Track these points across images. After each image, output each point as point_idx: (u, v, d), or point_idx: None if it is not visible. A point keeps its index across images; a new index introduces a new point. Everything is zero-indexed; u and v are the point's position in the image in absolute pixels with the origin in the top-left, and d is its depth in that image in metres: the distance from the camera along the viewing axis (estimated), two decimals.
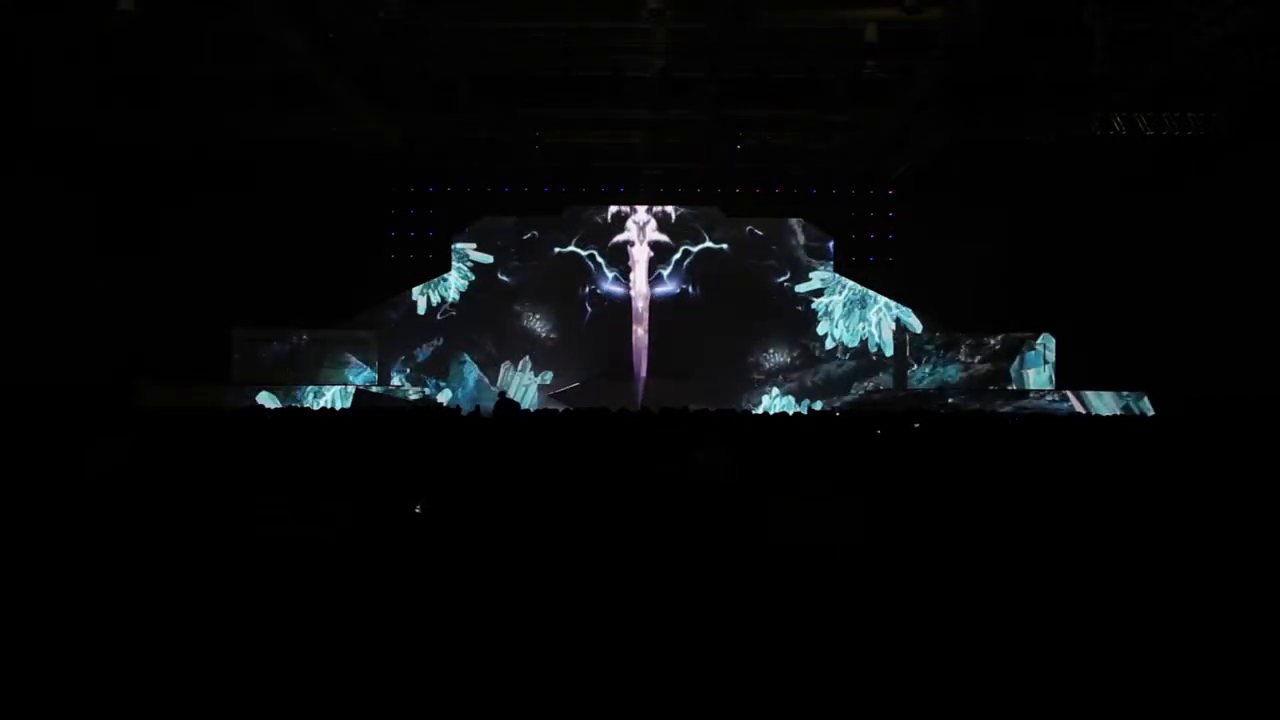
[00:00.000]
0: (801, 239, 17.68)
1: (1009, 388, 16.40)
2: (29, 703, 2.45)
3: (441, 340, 17.58)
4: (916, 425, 9.49)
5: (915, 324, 17.39)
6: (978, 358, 16.65)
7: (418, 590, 3.25)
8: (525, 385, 17.54)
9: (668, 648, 2.71)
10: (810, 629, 2.86)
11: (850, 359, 17.66)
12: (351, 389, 16.02)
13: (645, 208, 17.56)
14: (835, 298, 17.66)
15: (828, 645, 2.74)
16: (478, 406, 14.22)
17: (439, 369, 17.55)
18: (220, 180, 15.34)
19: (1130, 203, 15.07)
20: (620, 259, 17.66)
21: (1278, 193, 13.05)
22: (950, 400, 16.02)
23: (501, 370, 17.61)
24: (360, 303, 17.12)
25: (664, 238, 17.65)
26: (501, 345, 17.62)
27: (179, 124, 13.24)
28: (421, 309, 17.58)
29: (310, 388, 15.82)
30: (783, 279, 17.68)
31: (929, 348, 16.81)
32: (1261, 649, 2.66)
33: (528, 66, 11.93)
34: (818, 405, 16.97)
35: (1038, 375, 16.44)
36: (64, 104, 12.25)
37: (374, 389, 16.53)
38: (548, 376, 17.58)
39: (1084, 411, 15.26)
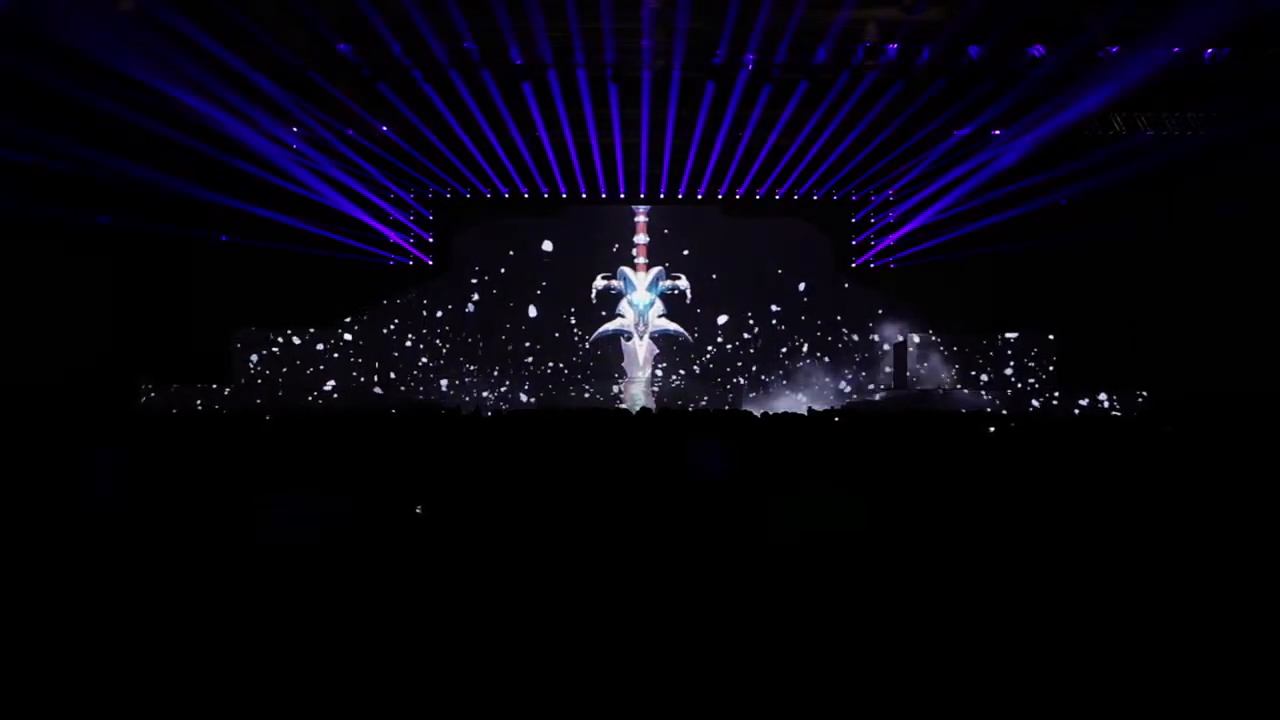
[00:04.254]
0: (801, 239, 17.65)
1: (1009, 389, 16.40)
2: (31, 705, 2.45)
3: (445, 340, 17.58)
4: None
5: (914, 324, 17.37)
6: (978, 359, 16.66)
7: (418, 590, 3.25)
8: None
9: (667, 648, 2.71)
10: (810, 630, 2.86)
11: (850, 360, 17.65)
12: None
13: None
14: (834, 297, 17.66)
15: (828, 646, 2.74)
16: (477, 407, 14.22)
17: (441, 368, 17.56)
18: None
19: (1130, 202, 15.06)
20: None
21: (1278, 192, 13.09)
22: (950, 400, 16.01)
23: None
24: (360, 303, 17.13)
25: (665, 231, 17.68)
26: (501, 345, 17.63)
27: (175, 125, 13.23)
28: (423, 309, 17.58)
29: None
30: (782, 279, 17.66)
31: (929, 348, 16.81)
32: (1258, 644, 2.66)
33: (528, 65, 11.94)
34: (817, 406, 16.97)
35: (1036, 373, 16.45)
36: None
37: (375, 389, 16.52)
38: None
39: (1084, 411, 15.27)
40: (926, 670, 2.60)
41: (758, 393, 17.49)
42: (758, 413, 10.80)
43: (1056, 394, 16.00)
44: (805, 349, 17.64)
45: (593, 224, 17.68)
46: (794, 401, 17.36)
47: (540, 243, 17.57)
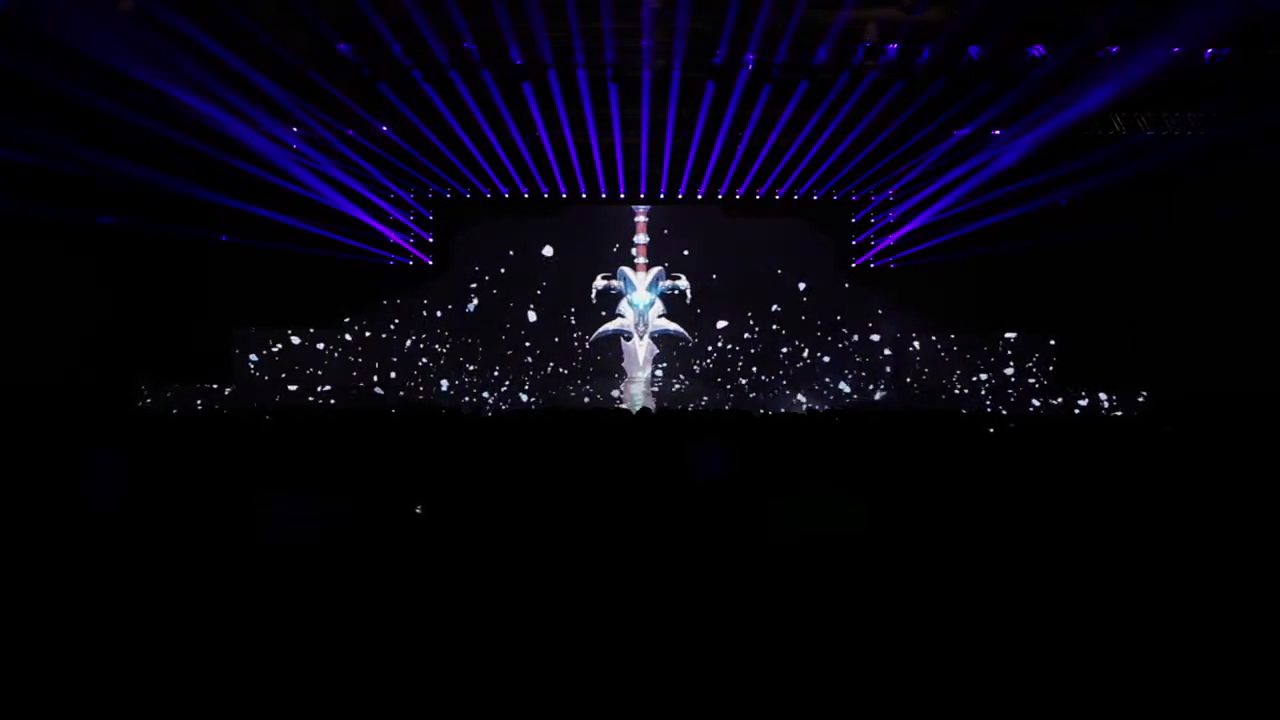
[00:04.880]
0: (801, 239, 17.64)
1: (1009, 389, 16.40)
2: (32, 705, 2.45)
3: (445, 340, 17.58)
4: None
5: (913, 324, 17.37)
6: (978, 359, 16.67)
7: (418, 591, 3.25)
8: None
9: (667, 648, 2.71)
10: (810, 630, 2.86)
11: (850, 360, 17.64)
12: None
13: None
14: (834, 297, 17.65)
15: (828, 646, 2.74)
16: (477, 407, 14.22)
17: (441, 368, 17.55)
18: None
19: (1130, 202, 15.08)
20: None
21: (1278, 192, 13.10)
22: (950, 400, 16.02)
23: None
24: (360, 303, 17.13)
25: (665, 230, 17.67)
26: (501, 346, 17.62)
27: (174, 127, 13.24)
28: (423, 310, 17.58)
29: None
30: (782, 279, 17.66)
31: (929, 349, 16.83)
32: (1258, 643, 2.66)
33: (528, 65, 11.95)
34: (817, 406, 16.98)
35: (1036, 373, 16.46)
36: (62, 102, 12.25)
37: (376, 390, 16.51)
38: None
39: (1084, 411, 15.28)
40: (926, 670, 2.60)
41: (758, 393, 17.48)
42: (758, 413, 10.83)
43: (1057, 395, 16.00)
44: (805, 349, 17.63)
45: (593, 224, 17.67)
46: (794, 402, 17.36)
47: (541, 245, 17.56)
